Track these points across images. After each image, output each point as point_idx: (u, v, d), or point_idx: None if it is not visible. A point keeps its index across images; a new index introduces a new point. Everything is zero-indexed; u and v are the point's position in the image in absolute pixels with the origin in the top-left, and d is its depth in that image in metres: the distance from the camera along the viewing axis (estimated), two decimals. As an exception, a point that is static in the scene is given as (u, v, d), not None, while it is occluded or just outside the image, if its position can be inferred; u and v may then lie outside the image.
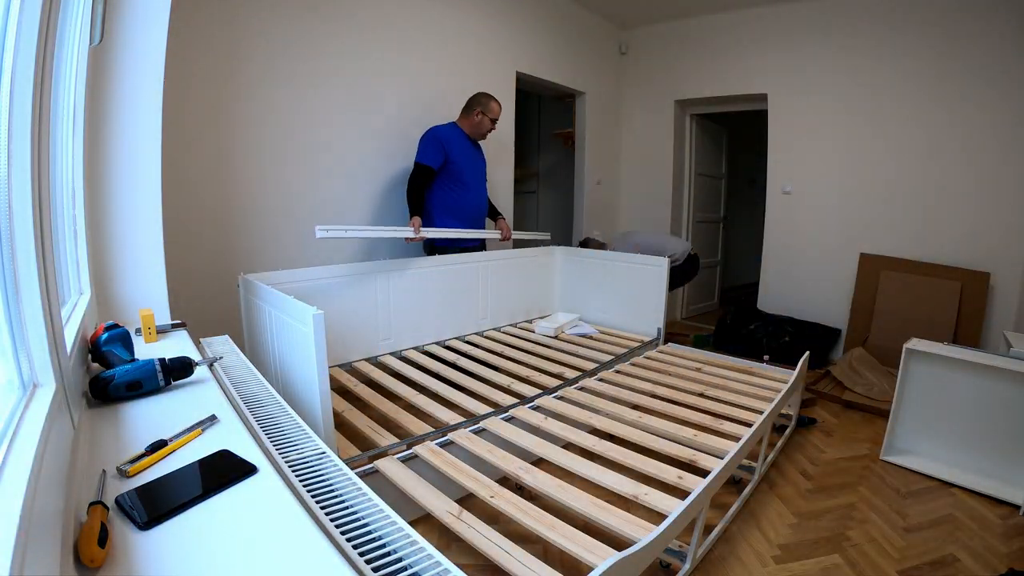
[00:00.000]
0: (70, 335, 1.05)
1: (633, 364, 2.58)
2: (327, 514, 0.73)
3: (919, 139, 3.33)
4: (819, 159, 3.75)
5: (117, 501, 0.69)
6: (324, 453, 0.89)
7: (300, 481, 0.80)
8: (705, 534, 1.59)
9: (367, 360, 2.48)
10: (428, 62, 3.03)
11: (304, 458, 0.87)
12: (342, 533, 0.69)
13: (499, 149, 3.60)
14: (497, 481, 1.54)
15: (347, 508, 0.75)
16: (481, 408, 2.03)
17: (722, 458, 1.60)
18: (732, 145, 5.19)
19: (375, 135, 2.82)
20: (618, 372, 2.48)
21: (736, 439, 1.75)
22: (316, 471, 0.84)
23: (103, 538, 0.60)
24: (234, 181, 2.33)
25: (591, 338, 2.98)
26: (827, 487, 2.02)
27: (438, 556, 0.65)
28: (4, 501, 0.49)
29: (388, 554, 0.67)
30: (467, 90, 3.30)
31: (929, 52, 3.24)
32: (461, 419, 1.91)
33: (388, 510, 0.74)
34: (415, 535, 0.69)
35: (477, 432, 1.84)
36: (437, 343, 2.77)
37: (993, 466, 2.03)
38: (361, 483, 0.80)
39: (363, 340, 2.48)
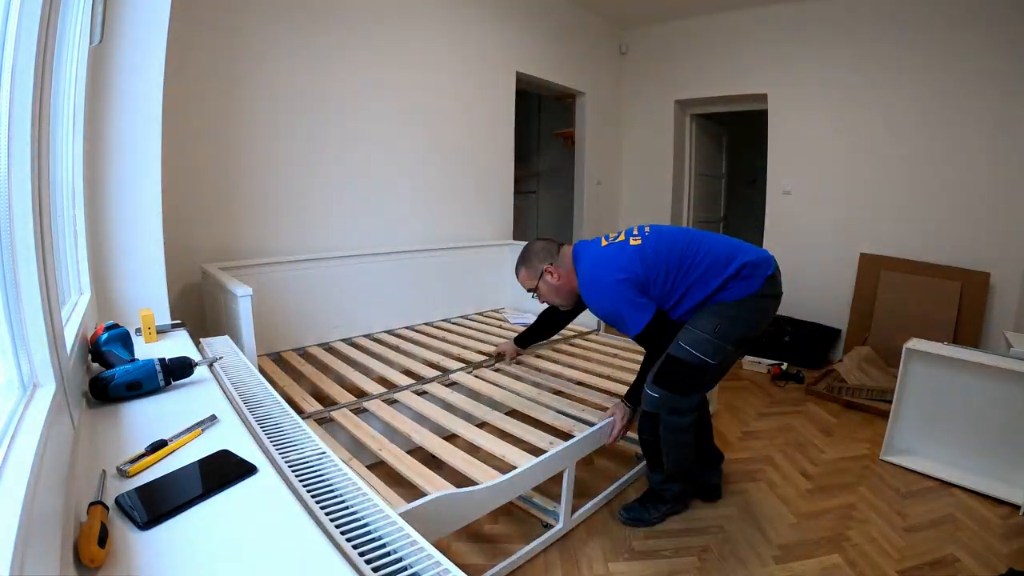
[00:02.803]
0: (70, 335, 1.05)
1: (554, 350, 2.64)
2: (327, 514, 0.73)
3: (919, 139, 3.33)
4: (819, 159, 3.75)
5: (117, 501, 0.69)
6: (324, 453, 0.89)
7: (300, 481, 0.80)
8: (586, 499, 1.81)
9: (319, 345, 2.55)
10: (428, 62, 3.03)
11: (304, 458, 0.87)
12: (342, 533, 0.69)
13: (499, 149, 3.61)
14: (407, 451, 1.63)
15: (347, 508, 0.75)
16: (404, 380, 2.16)
17: (592, 425, 1.73)
18: (732, 145, 5.18)
19: (375, 136, 2.82)
20: (538, 356, 2.55)
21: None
22: (316, 471, 0.84)
23: (103, 538, 0.60)
24: (235, 181, 2.33)
25: None
26: (827, 487, 2.02)
27: (438, 556, 0.65)
28: (4, 501, 0.49)
29: (388, 554, 0.67)
30: (467, 90, 3.31)
31: (930, 52, 3.24)
32: (384, 390, 2.04)
33: (388, 510, 0.74)
34: (415, 535, 0.69)
35: (390, 403, 1.99)
36: (387, 332, 2.85)
37: (993, 466, 2.02)
38: (361, 483, 0.80)
39: (316, 326, 2.56)
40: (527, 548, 1.58)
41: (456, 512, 1.31)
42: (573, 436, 1.67)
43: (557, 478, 1.61)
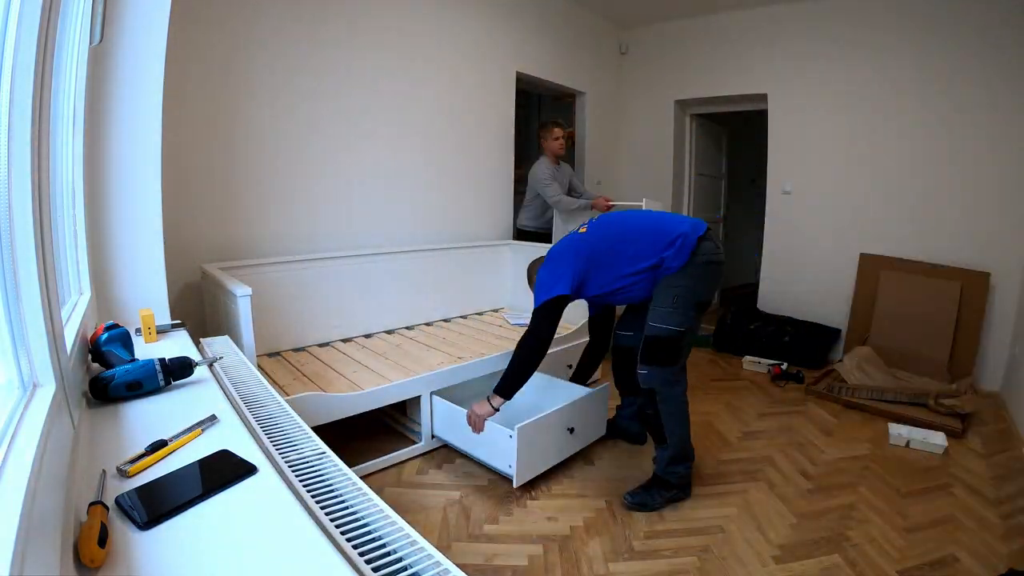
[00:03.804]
0: (70, 335, 1.05)
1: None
2: (327, 514, 0.73)
3: (919, 139, 3.33)
4: (819, 159, 3.74)
5: (117, 501, 0.69)
6: (324, 453, 0.89)
7: (300, 481, 0.80)
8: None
9: (319, 345, 2.57)
10: (428, 62, 3.03)
11: (304, 458, 0.87)
12: (342, 533, 0.69)
13: (499, 149, 3.61)
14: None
15: (347, 508, 0.75)
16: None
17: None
18: (732, 145, 5.18)
19: (375, 136, 2.82)
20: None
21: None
22: (316, 471, 0.84)
23: (103, 538, 0.60)
24: (235, 181, 2.33)
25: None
26: (827, 487, 2.02)
27: (438, 556, 0.65)
28: (4, 501, 0.49)
29: (388, 554, 0.67)
30: (467, 90, 3.31)
31: (929, 52, 3.24)
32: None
33: (388, 510, 0.74)
34: (415, 535, 0.69)
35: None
36: (386, 332, 2.85)
37: None
38: (361, 483, 0.80)
39: (316, 326, 2.57)
40: (393, 454, 2.10)
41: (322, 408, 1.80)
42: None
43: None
